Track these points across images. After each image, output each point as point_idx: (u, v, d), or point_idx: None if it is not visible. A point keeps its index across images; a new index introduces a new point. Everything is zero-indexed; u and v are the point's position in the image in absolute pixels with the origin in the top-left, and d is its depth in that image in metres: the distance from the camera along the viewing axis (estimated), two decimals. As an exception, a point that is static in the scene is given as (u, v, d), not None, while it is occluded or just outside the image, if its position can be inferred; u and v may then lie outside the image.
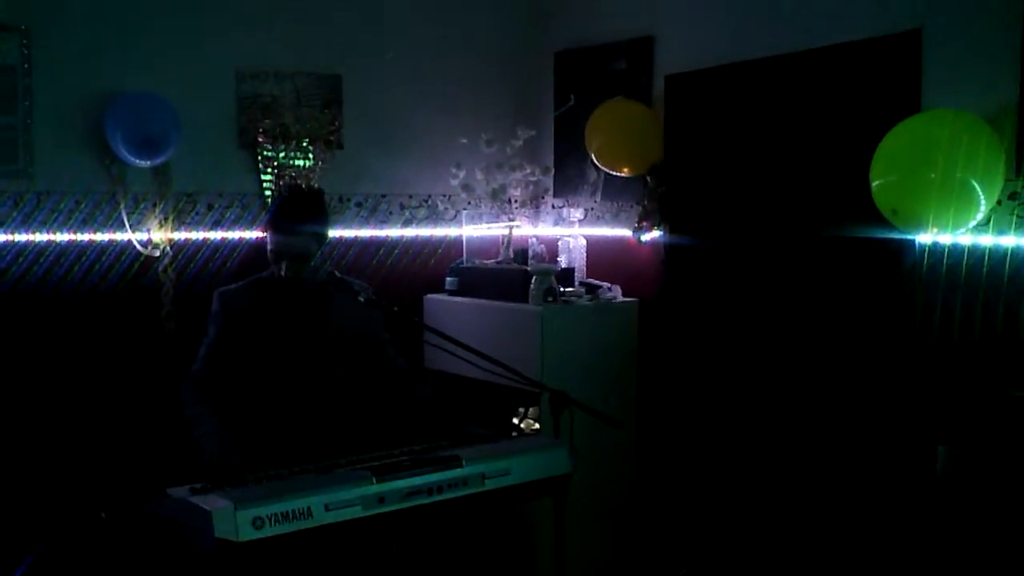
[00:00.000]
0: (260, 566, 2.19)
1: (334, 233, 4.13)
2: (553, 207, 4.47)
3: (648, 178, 3.96)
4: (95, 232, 3.72)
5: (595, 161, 4.02)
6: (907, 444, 3.04)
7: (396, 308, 3.19)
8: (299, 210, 3.04)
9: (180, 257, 3.88)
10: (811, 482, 3.39)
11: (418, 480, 2.36)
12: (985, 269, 2.90)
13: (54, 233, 3.64)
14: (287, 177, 4.04)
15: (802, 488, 3.42)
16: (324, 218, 3.11)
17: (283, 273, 2.99)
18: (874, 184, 2.86)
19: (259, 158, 4.01)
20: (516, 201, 4.20)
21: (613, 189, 4.20)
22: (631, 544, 4.04)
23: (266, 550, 2.15)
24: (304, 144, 4.09)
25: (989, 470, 2.31)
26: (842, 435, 3.30)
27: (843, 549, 3.24)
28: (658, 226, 3.96)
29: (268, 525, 2.14)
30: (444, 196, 4.42)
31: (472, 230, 4.38)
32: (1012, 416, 2.32)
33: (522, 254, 4.10)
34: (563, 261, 4.14)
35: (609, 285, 4.04)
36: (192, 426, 2.87)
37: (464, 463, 2.46)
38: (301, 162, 4.09)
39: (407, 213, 4.38)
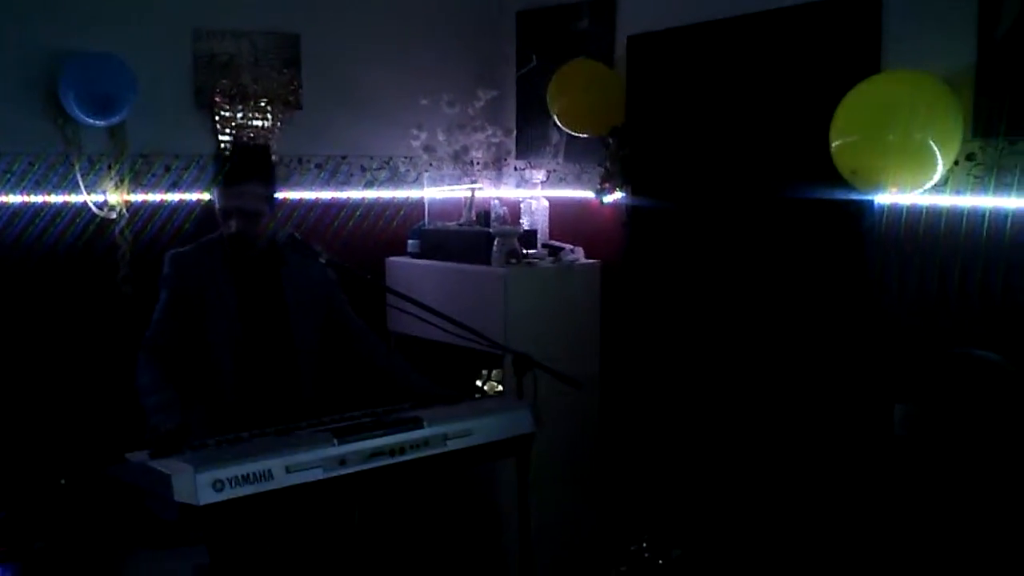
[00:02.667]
0: (221, 529, 2.19)
1: (294, 195, 4.10)
2: (515, 169, 4.45)
3: (610, 139, 3.95)
4: (49, 194, 3.65)
5: (557, 122, 4.00)
6: (865, 403, 3.08)
7: (358, 271, 3.17)
8: (244, 166, 3.00)
9: (137, 219, 3.82)
10: (772, 440, 3.43)
11: (380, 441, 2.36)
12: (942, 229, 2.92)
13: (7, 195, 3.57)
14: (245, 138, 3.98)
15: (763, 446, 3.47)
16: (269, 174, 3.07)
17: (232, 231, 2.95)
18: (834, 145, 2.88)
19: (216, 119, 3.95)
20: (478, 163, 4.17)
21: (576, 150, 4.19)
22: (596, 505, 4.08)
23: (227, 513, 2.14)
24: (262, 104, 4.03)
25: (945, 428, 2.34)
26: (802, 395, 3.34)
27: (804, 507, 3.29)
28: (620, 188, 3.96)
29: (228, 487, 2.14)
30: (405, 158, 4.38)
31: (434, 192, 4.35)
32: (969, 375, 2.35)
33: (484, 216, 4.09)
34: (526, 223, 4.13)
35: (572, 247, 4.04)
36: (140, 395, 2.82)
37: (426, 424, 2.46)
38: (259, 122, 4.03)
39: (368, 175, 4.34)
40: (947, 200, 2.90)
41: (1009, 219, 2.77)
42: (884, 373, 3.01)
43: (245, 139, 3.97)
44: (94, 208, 3.72)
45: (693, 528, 3.65)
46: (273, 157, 3.60)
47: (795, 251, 3.36)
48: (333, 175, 4.24)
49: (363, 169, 4.32)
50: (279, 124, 4.07)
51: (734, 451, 3.57)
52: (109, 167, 3.74)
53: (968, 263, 2.87)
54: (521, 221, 4.14)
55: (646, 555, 2.28)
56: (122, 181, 3.76)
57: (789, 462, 3.37)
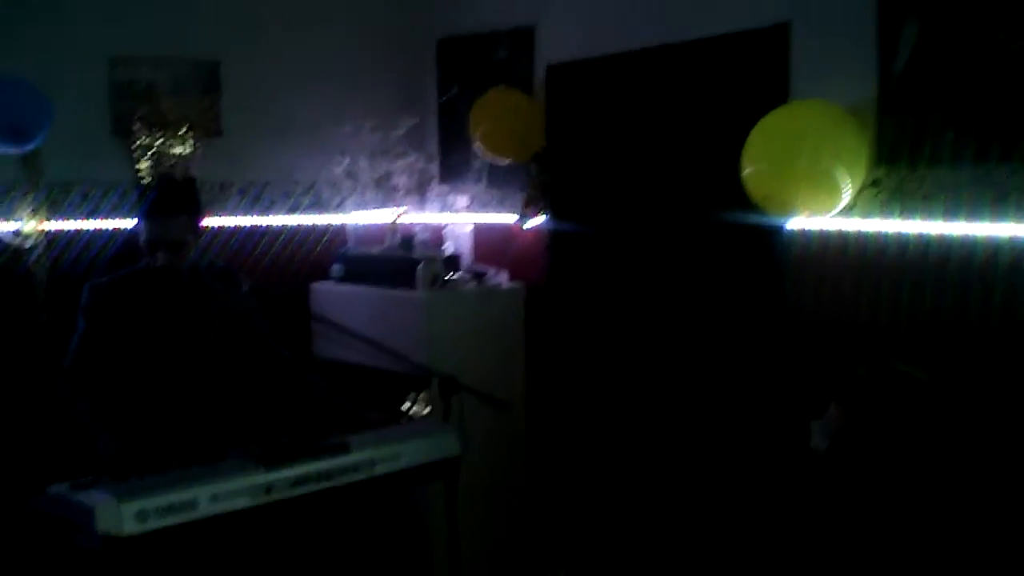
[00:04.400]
0: (146, 560, 2.16)
1: (216, 222, 4.07)
2: (439, 194, 4.49)
3: (532, 165, 4.02)
4: (-38, 223, 3.58)
5: (479, 148, 4.06)
6: (782, 421, 3.18)
7: (282, 296, 3.16)
8: (171, 198, 2.98)
9: (54, 247, 3.76)
10: (693, 461, 3.51)
11: (307, 468, 2.37)
12: (851, 251, 3.04)
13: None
14: (165, 165, 3.94)
15: (684, 466, 3.54)
16: (197, 206, 3.05)
17: (158, 264, 2.93)
18: (745, 172, 2.98)
19: (135, 146, 3.91)
20: (401, 188, 4.20)
21: (498, 176, 4.25)
22: (523, 528, 4.11)
23: (152, 544, 2.12)
24: (182, 131, 4.00)
25: (858, 441, 2.42)
26: (721, 415, 3.43)
27: (725, 526, 3.37)
28: (542, 212, 4.02)
29: (152, 518, 2.12)
30: (329, 183, 4.39)
31: (358, 217, 4.36)
32: (891, 387, 2.41)
33: (408, 241, 4.12)
34: (450, 247, 4.17)
35: (495, 270, 4.09)
36: (78, 422, 2.77)
37: (353, 449, 2.47)
38: (179, 149, 4.00)
39: (291, 201, 4.33)
40: (855, 224, 3.02)
41: (913, 241, 2.89)
42: (800, 390, 3.11)
43: (166, 167, 3.94)
44: (9, 236, 3.65)
45: (617, 552, 3.71)
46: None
47: (712, 274, 3.45)
48: (256, 201, 4.23)
49: (286, 195, 4.31)
50: (199, 150, 4.05)
51: (656, 470, 3.64)
52: (24, 195, 3.68)
53: (876, 283, 2.99)
54: (445, 246, 4.18)
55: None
56: (38, 209, 3.70)
57: (711, 481, 3.44)
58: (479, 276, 4.04)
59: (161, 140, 3.96)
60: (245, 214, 4.20)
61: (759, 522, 3.13)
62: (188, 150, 4.02)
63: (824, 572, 2.40)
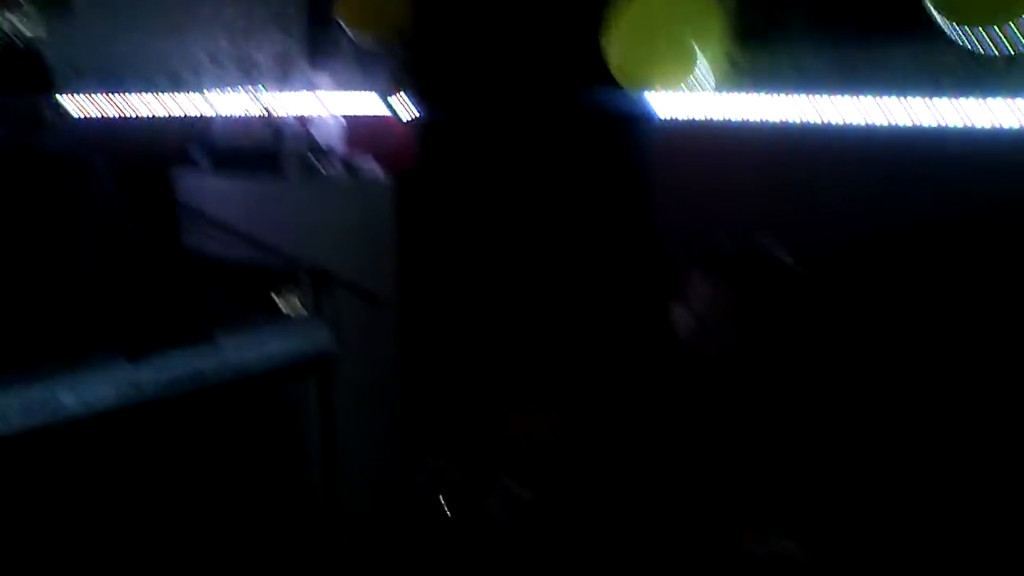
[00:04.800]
0: (6, 463, 2.10)
1: (72, 106, 3.85)
2: (306, 79, 4.34)
3: (399, 48, 3.91)
4: None
5: (345, 30, 3.92)
6: (645, 305, 3.27)
7: (145, 186, 3.04)
8: (18, 74, 2.82)
9: None
10: (564, 348, 3.58)
11: (175, 364, 2.32)
12: (707, 131, 3.12)
13: None
14: (13, 44, 3.68)
15: (556, 354, 3.62)
16: (46, 82, 2.89)
17: (8, 143, 2.78)
18: (604, 45, 3.00)
19: (-23, 23, 3.64)
20: (266, 72, 4.05)
21: (366, 60, 4.12)
22: (397, 421, 4.15)
23: (12, 446, 2.06)
24: (32, 9, 3.73)
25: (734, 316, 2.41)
26: (590, 300, 3.51)
27: (594, 409, 3.47)
28: (410, 98, 3.95)
29: (13, 418, 2.05)
30: (190, 67, 4.18)
31: (222, 104, 4.18)
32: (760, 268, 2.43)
33: (277, 131, 3.98)
34: (319, 136, 4.06)
35: (365, 161, 4.02)
36: None
37: (222, 344, 2.43)
38: (28, 30, 3.74)
39: (149, 84, 4.12)
40: (711, 100, 3.08)
41: (768, 118, 2.99)
42: (664, 278, 3.19)
43: (14, 45, 3.68)
44: None
45: (487, 436, 3.78)
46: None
47: (579, 158, 3.47)
48: (112, 85, 4.00)
49: (144, 78, 4.09)
50: (50, 30, 3.79)
51: (526, 358, 3.71)
52: None
53: (736, 162, 3.07)
54: (313, 135, 4.07)
55: (440, 463, 2.36)
56: None
57: (577, 366, 3.53)
58: (350, 168, 3.96)
59: (10, 19, 3.68)
60: (101, 99, 3.98)
61: (631, 413, 3.23)
62: (38, 30, 3.75)
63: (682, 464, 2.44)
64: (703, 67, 2.91)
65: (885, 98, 2.79)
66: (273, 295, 4.03)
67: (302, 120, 4.06)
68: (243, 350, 2.46)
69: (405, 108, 3.97)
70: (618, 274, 3.42)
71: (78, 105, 3.90)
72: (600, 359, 3.45)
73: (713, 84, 3.00)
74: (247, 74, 3.98)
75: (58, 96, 2.94)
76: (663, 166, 3.26)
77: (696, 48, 2.87)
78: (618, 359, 3.37)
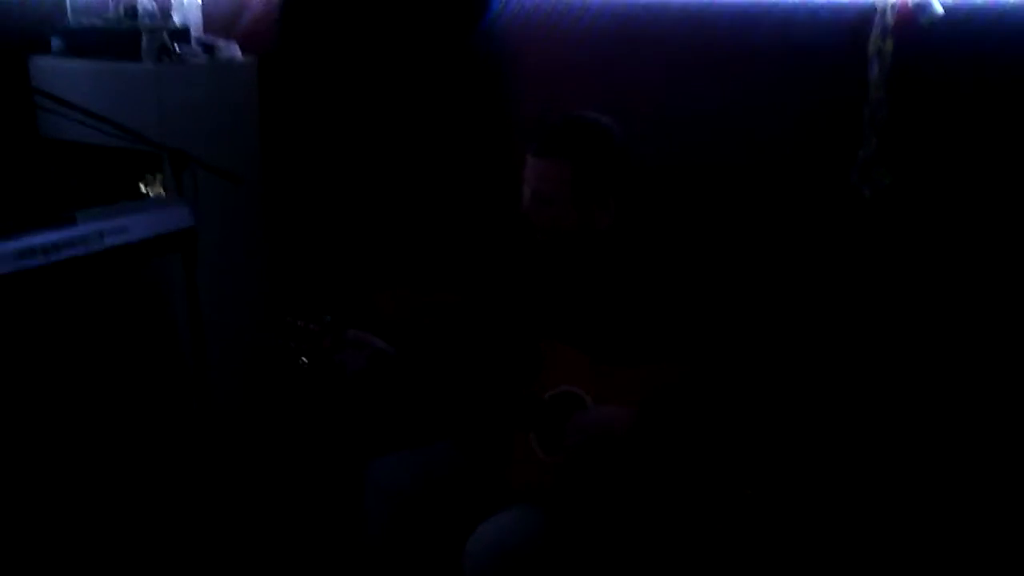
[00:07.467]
0: None
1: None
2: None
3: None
4: None
5: None
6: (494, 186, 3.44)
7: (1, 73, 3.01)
8: None
9: None
10: (404, 206, 3.76)
11: (30, 240, 2.34)
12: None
13: None
14: None
15: (402, 215, 3.79)
16: None
17: None
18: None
19: None
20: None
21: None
22: (263, 293, 4.25)
23: None
24: None
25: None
26: (446, 173, 3.66)
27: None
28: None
29: None
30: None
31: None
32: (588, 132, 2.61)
33: (132, 10, 3.92)
34: (176, 17, 4.02)
35: (227, 42, 4.00)
36: None
37: (79, 221, 2.47)
38: None
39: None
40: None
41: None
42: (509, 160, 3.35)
43: None
44: None
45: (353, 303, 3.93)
46: None
47: (433, 38, 3.56)
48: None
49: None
50: None
51: (385, 237, 3.85)
52: None
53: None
54: (171, 15, 4.02)
55: (300, 324, 2.50)
56: None
57: (432, 245, 3.69)
58: (209, 48, 3.94)
59: None
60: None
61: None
62: None
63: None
64: None
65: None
66: (134, 179, 4.05)
67: (160, 1, 4.00)
68: (100, 226, 2.50)
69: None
70: (467, 155, 3.56)
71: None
72: (455, 237, 3.63)
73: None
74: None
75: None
76: (505, 50, 3.38)
77: None
78: (469, 238, 3.55)
